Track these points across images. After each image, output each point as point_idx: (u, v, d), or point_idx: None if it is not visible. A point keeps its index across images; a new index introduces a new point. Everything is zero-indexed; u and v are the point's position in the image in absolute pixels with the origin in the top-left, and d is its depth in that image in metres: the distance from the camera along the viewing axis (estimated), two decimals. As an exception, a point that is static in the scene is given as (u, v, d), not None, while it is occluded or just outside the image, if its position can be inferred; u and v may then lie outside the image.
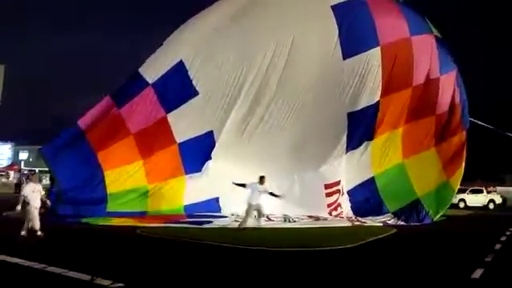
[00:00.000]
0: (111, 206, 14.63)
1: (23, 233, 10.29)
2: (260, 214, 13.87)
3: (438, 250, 10.61)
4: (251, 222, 13.54)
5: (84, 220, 13.28)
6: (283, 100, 16.11)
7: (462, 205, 31.64)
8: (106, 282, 6.19)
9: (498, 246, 11.00)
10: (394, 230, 13.91)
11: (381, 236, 12.42)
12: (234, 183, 14.33)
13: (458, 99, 18.78)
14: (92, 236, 11.12)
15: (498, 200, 33.25)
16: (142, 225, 13.14)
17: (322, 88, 16.32)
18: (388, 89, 16.99)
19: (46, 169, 23.09)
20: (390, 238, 12.47)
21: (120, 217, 14.16)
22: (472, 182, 37.83)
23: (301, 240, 11.36)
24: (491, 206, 32.29)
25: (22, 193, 10.71)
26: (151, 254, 9.16)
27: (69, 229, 11.81)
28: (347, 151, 17.45)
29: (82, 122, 14.58)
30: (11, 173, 54.42)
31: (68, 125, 15.17)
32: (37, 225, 10.43)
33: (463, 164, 18.87)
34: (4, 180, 48.16)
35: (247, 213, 13.61)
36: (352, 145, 17.45)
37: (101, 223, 13.15)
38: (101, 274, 6.57)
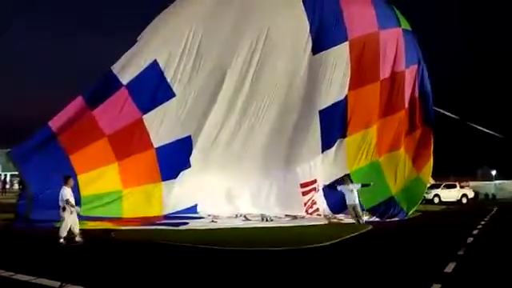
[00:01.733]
0: (85, 210, 14.22)
1: (62, 240, 10.01)
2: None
3: (412, 245, 10.77)
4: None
5: (57, 224, 12.91)
6: (257, 101, 16.27)
7: (436, 200, 32.38)
8: (76, 288, 6.01)
9: (469, 240, 11.23)
10: (370, 227, 14.07)
11: (357, 233, 12.52)
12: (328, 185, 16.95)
13: (417, 93, 19.15)
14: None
15: (471, 194, 34.23)
16: (116, 227, 12.89)
17: (295, 85, 16.50)
18: (356, 83, 17.22)
19: (17, 173, 22.34)
20: (365, 235, 12.58)
21: (94, 220, 13.86)
22: (446, 177, 38.94)
23: (279, 239, 11.33)
24: (464, 200, 33.17)
25: (63, 197, 10.32)
26: (125, 257, 8.97)
27: (40, 234, 11.45)
28: (323, 150, 17.55)
29: (53, 124, 14.21)
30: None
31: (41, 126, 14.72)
32: (77, 229, 10.30)
33: (431, 158, 19.26)
34: None
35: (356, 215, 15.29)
36: (327, 143, 17.58)
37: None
38: (71, 279, 6.39)
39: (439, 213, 22.55)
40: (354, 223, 15.53)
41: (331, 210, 17.86)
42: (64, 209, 10.24)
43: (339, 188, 16.14)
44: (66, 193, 10.39)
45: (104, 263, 8.23)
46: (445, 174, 40.80)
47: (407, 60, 18.46)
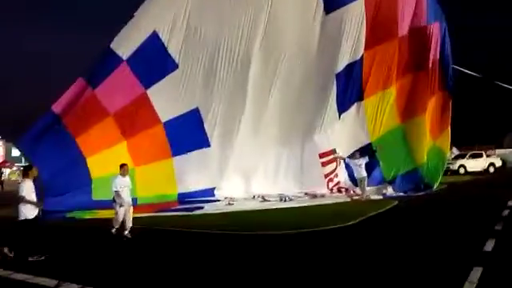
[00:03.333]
0: (97, 193, 13.78)
1: (113, 230, 9.40)
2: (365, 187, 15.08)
3: (443, 222, 9.91)
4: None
5: (69, 215, 12.51)
6: (267, 69, 15.25)
7: (462, 170, 31.09)
8: (74, 287, 5.49)
9: (505, 213, 10.34)
10: (395, 203, 13.22)
11: (382, 210, 11.73)
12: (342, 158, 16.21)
13: (437, 55, 17.59)
14: (74, 232, 10.33)
15: (498, 163, 32.73)
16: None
17: (308, 48, 15.53)
18: (372, 41, 16.08)
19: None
20: (391, 212, 11.78)
21: (108, 208, 13.42)
22: (470, 147, 37.35)
23: (300, 221, 10.60)
24: (491, 169, 31.76)
25: (112, 188, 9.46)
26: (134, 248, 8.43)
27: (50, 226, 11.01)
28: (340, 116, 16.58)
29: (57, 107, 13.52)
30: (6, 170, 53.14)
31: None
32: (129, 224, 9.35)
33: (449, 126, 18.00)
34: None
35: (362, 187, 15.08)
36: (343, 107, 16.58)
37: (87, 216, 12.38)
38: (71, 277, 5.84)
39: (467, 184, 21.49)
40: (378, 199, 14.77)
41: (353, 182, 16.93)
42: (114, 200, 9.46)
43: (347, 161, 15.84)
44: (116, 183, 9.48)
45: (111, 256, 7.69)
46: (469, 144, 39.16)
47: (429, 15, 16.97)
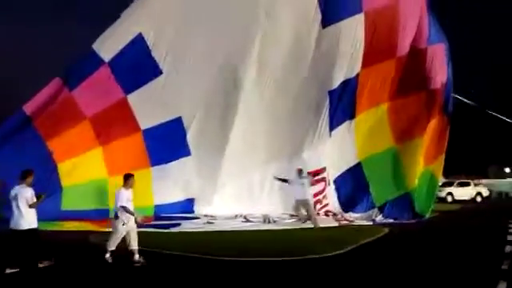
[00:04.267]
0: (67, 203, 12.71)
1: (108, 255, 7.69)
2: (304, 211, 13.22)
3: (441, 255, 9.04)
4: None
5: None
6: (258, 82, 14.50)
7: (449, 198, 30.50)
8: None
9: (508, 249, 9.53)
10: (386, 230, 12.34)
11: (373, 238, 10.85)
12: (275, 178, 13.86)
13: (445, 77, 16.82)
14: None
15: (486, 193, 32.35)
16: (97, 229, 11.31)
17: (302, 63, 14.77)
18: (369, 59, 15.32)
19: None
20: (383, 240, 10.90)
21: (75, 219, 12.30)
22: (457, 175, 37.03)
23: (285, 246, 9.63)
24: (478, 198, 31.30)
25: (117, 201, 7.81)
26: (102, 269, 7.42)
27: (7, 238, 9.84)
28: (331, 133, 15.73)
29: (28, 108, 12.59)
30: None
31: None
32: (135, 244, 7.74)
33: (443, 152, 17.26)
34: None
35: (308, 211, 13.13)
36: (335, 124, 15.76)
37: (51, 228, 11.16)
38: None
39: (457, 212, 20.80)
40: (367, 225, 13.89)
41: (342, 205, 16.15)
42: (117, 216, 7.78)
43: (290, 182, 13.68)
44: (123, 196, 7.80)
45: (76, 276, 6.74)
46: (455, 172, 38.92)
47: (431, 36, 16.23)
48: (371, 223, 14.23)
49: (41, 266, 7.08)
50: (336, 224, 13.79)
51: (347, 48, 14.99)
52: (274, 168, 15.00)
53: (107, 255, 7.70)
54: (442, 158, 17.18)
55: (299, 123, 15.34)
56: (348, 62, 15.18)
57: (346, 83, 15.36)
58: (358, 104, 15.88)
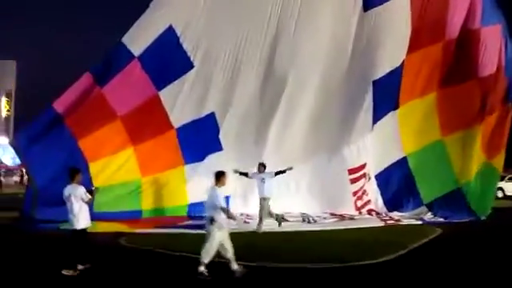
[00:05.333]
0: (99, 205, 12.39)
1: (203, 268, 6.59)
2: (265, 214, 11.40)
3: (503, 259, 7.97)
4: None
5: (63, 226, 11.07)
6: (295, 72, 13.60)
7: (500, 194, 28.35)
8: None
9: None
10: (439, 231, 11.24)
11: (425, 240, 9.83)
12: (235, 171, 11.99)
13: (503, 61, 15.04)
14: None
15: (540, 188, 29.91)
16: (129, 230, 10.91)
17: (342, 50, 13.78)
18: (415, 43, 14.07)
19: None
20: (436, 243, 9.87)
21: (108, 220, 11.97)
22: (508, 169, 34.48)
23: (326, 250, 8.81)
24: (532, 195, 28.99)
25: (215, 202, 6.72)
26: (131, 273, 7.00)
27: (39, 239, 9.61)
28: (373, 127, 14.61)
29: (59, 106, 12.28)
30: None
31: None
32: (231, 252, 6.71)
33: (504, 144, 15.51)
34: (16, 178, 45.76)
35: (261, 211, 11.34)
36: (378, 117, 14.61)
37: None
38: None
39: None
40: (416, 225, 12.81)
41: (386, 204, 15.04)
42: (212, 220, 6.64)
43: (250, 175, 12.24)
44: (219, 194, 6.79)
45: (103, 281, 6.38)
46: (507, 165, 36.11)
47: (485, 16, 14.59)
48: (420, 222, 13.13)
49: (80, 268, 6.89)
50: (382, 224, 12.78)
51: (392, 33, 13.84)
52: (311, 166, 14.16)
53: (201, 268, 6.55)
54: (503, 153, 15.51)
55: (339, 118, 14.38)
56: (393, 48, 14.02)
57: (392, 72, 14.18)
58: (402, 93, 14.67)
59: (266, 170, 11.72)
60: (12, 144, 12.69)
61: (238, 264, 6.72)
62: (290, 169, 11.86)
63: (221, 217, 6.64)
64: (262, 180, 11.47)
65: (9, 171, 42.59)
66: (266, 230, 11.40)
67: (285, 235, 10.86)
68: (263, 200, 11.36)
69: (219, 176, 6.96)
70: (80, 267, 6.89)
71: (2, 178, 34.56)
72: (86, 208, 7.27)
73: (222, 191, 6.89)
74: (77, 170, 7.49)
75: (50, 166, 11.72)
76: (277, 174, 11.67)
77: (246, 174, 12.12)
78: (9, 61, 65.75)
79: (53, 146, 11.89)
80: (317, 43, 13.58)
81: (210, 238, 6.64)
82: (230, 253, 6.68)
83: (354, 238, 10.23)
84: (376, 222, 12.92)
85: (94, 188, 7.98)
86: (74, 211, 7.10)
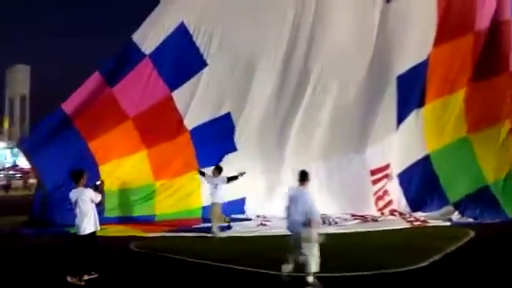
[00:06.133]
0: (110, 210, 12.00)
1: (311, 280, 6.06)
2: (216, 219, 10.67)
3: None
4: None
5: (73, 230, 10.64)
6: (313, 69, 12.94)
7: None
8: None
9: None
10: (472, 233, 10.42)
11: (459, 244, 9.05)
12: (199, 171, 11.52)
13: None
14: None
15: None
16: (141, 234, 10.40)
17: (364, 45, 13.01)
18: (442, 36, 13.27)
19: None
20: (471, 247, 9.06)
21: (119, 223, 11.51)
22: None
23: (351, 256, 8.11)
24: None
25: (308, 206, 6.22)
26: (140, 281, 6.51)
27: (47, 244, 9.14)
28: (398, 125, 13.85)
29: (67, 107, 11.93)
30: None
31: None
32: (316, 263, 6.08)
33: None
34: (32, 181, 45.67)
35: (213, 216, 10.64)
36: (403, 116, 13.83)
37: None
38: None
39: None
40: (444, 226, 12.02)
41: (409, 203, 14.21)
42: (307, 224, 6.12)
43: (202, 179, 11.65)
44: (310, 195, 6.35)
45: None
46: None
47: None
48: (449, 223, 12.30)
49: (86, 278, 6.42)
50: (408, 225, 11.99)
51: (417, 24, 13.11)
52: (331, 166, 13.47)
53: (310, 279, 6.03)
54: None
55: (361, 116, 13.59)
56: (418, 41, 13.26)
57: (418, 67, 13.41)
58: (428, 89, 13.87)
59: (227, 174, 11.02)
60: (19, 147, 12.26)
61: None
62: (242, 174, 11.09)
63: (315, 219, 6.20)
64: (215, 186, 10.78)
65: (25, 174, 42.60)
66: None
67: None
68: (214, 205, 10.70)
69: (305, 176, 6.49)
70: (86, 277, 6.37)
71: (14, 181, 34.59)
72: (94, 211, 6.78)
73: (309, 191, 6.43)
74: (80, 172, 6.91)
75: (59, 169, 11.24)
76: (229, 179, 10.94)
77: (202, 174, 11.51)
78: (23, 65, 66.61)
79: (62, 148, 11.54)
80: (338, 37, 12.92)
81: (312, 245, 6.07)
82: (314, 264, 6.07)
83: (383, 242, 9.44)
84: (401, 224, 12.13)
85: (99, 182, 7.48)
86: (82, 215, 6.64)
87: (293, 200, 6.36)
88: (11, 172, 43.07)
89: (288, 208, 6.43)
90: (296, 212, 6.22)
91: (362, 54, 13.23)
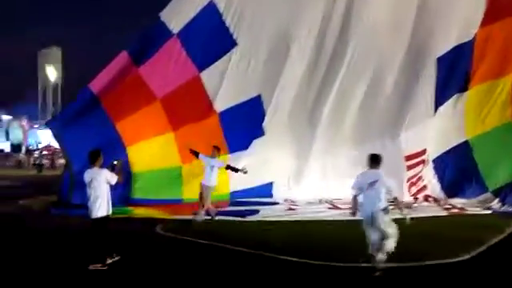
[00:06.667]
0: (137, 192, 11.87)
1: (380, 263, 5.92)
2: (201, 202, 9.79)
3: None
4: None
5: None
6: (347, 49, 12.24)
7: None
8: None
9: None
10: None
11: (504, 235, 8.43)
12: (192, 151, 10.66)
13: None
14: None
15: None
16: (167, 217, 10.23)
17: (401, 24, 12.19)
18: (491, 15, 12.27)
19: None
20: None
21: (146, 205, 11.38)
22: None
23: (401, 246, 7.48)
24: None
25: (389, 189, 6.15)
26: (165, 266, 6.30)
27: (72, 226, 9.07)
28: (436, 109, 13.07)
29: (95, 86, 11.69)
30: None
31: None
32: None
33: None
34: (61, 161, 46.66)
35: (203, 199, 9.81)
36: (442, 99, 13.01)
37: (120, 215, 10.27)
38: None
39: None
40: (484, 214, 11.33)
41: (444, 189, 13.57)
42: (387, 210, 6.04)
43: (200, 157, 10.44)
44: (391, 183, 6.22)
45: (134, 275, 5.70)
46: None
47: None
48: (489, 212, 11.60)
49: (109, 261, 6.21)
50: (444, 213, 11.37)
51: (464, 4, 12.19)
52: (363, 150, 12.79)
53: (382, 256, 5.93)
54: None
55: (397, 99, 12.84)
56: (464, 21, 12.33)
57: (461, 47, 12.51)
58: (473, 72, 12.97)
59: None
60: (47, 126, 12.21)
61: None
62: (245, 172, 10.30)
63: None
64: (211, 168, 9.92)
65: (52, 154, 43.55)
66: (319, 217, 10.55)
67: (346, 225, 9.61)
68: (207, 188, 9.83)
69: (378, 159, 6.32)
70: (109, 261, 6.18)
71: (45, 161, 35.36)
72: (108, 194, 6.43)
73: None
74: (98, 151, 6.58)
75: (86, 149, 11.11)
76: (228, 167, 10.31)
77: (196, 154, 10.60)
78: (54, 48, 67.67)
79: (89, 128, 11.36)
80: (375, 16, 12.10)
81: (392, 230, 5.95)
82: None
83: (420, 230, 8.81)
84: (438, 211, 11.52)
85: (117, 161, 7.14)
86: (95, 197, 6.31)
87: (369, 183, 6.09)
88: (44, 152, 44.17)
89: (363, 191, 6.18)
90: (373, 195, 6.02)
91: (400, 34, 12.37)
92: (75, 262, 6.37)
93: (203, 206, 9.73)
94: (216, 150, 10.25)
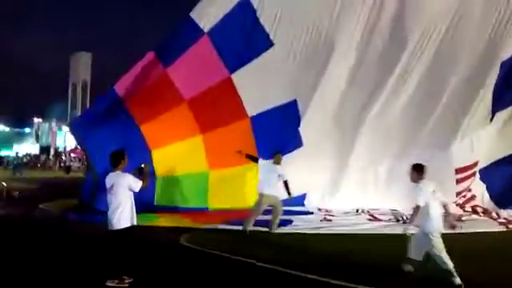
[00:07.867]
0: (161, 198, 11.23)
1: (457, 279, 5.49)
2: (276, 213, 9.12)
3: None
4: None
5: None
6: (400, 47, 11.05)
7: None
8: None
9: None
10: None
11: None
12: (247, 155, 10.19)
13: None
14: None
15: None
16: (193, 225, 9.49)
17: (457, 25, 10.87)
18: None
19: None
20: None
21: (170, 212, 10.71)
22: None
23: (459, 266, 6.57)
24: None
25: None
26: (188, 282, 5.64)
27: (90, 233, 8.43)
28: (492, 118, 11.96)
29: (120, 87, 11.14)
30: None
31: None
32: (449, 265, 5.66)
33: None
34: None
35: (256, 207, 9.06)
36: (499, 105, 11.89)
37: (146, 223, 9.56)
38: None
39: None
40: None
41: (494, 200, 12.54)
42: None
43: (261, 163, 10.15)
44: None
45: None
46: None
47: None
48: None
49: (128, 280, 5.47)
50: (502, 228, 10.15)
51: None
52: (408, 158, 11.75)
53: (457, 280, 5.49)
54: None
55: (448, 104, 11.61)
56: None
57: None
58: None
59: None
60: (70, 129, 11.71)
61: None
62: (289, 194, 9.39)
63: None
64: (278, 176, 9.04)
65: (58, 156, 43.90)
66: (359, 230, 9.70)
67: (389, 239, 8.64)
68: (272, 198, 8.98)
69: (418, 168, 6.11)
70: (127, 280, 5.44)
71: (72, 163, 35.62)
72: (132, 202, 5.69)
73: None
74: (120, 152, 5.88)
75: (109, 151, 10.61)
76: (285, 183, 9.29)
77: (255, 160, 10.25)
78: (84, 52, 68.80)
79: (113, 130, 10.77)
80: (421, 16, 10.86)
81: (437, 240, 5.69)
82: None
83: (472, 248, 7.83)
84: (492, 226, 10.34)
85: (143, 165, 6.37)
86: (115, 205, 5.58)
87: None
88: (73, 154, 44.57)
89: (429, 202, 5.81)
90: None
91: (453, 35, 10.98)
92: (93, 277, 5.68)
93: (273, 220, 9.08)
94: (279, 155, 9.48)
